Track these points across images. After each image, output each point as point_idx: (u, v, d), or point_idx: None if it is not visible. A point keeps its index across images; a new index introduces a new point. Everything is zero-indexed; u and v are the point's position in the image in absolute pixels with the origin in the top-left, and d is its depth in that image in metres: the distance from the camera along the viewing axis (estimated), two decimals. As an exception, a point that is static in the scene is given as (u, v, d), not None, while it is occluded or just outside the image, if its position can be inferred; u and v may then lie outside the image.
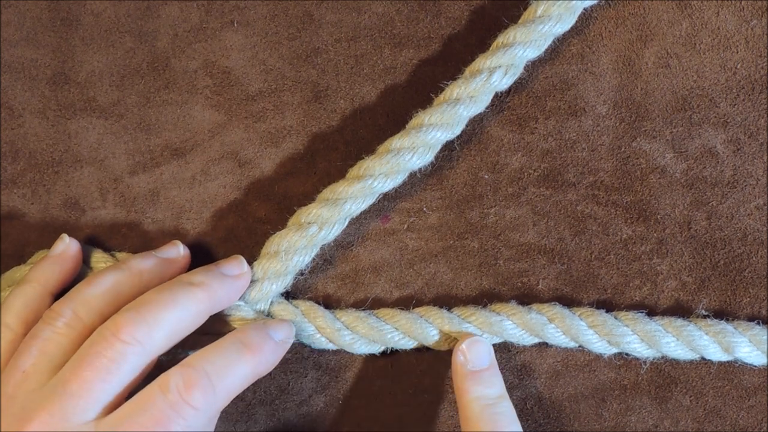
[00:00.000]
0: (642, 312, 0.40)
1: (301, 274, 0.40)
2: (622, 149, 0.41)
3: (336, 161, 0.41)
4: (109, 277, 0.36)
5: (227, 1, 0.42)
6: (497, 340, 0.40)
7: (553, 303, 0.40)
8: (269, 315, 0.39)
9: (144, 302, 0.35)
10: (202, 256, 0.42)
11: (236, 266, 0.38)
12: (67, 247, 0.39)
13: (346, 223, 0.40)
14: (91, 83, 0.42)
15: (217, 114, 0.42)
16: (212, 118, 0.42)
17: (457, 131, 0.39)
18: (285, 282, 0.39)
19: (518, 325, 0.39)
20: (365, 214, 0.41)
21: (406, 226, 0.41)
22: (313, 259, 0.40)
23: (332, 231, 0.39)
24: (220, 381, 0.34)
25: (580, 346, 0.39)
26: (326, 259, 0.41)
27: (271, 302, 0.39)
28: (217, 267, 0.38)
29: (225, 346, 0.35)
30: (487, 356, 0.38)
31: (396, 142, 0.39)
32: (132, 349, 0.33)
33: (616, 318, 0.39)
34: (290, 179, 0.42)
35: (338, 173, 0.40)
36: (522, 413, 0.40)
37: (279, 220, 0.40)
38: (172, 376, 0.33)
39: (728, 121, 0.40)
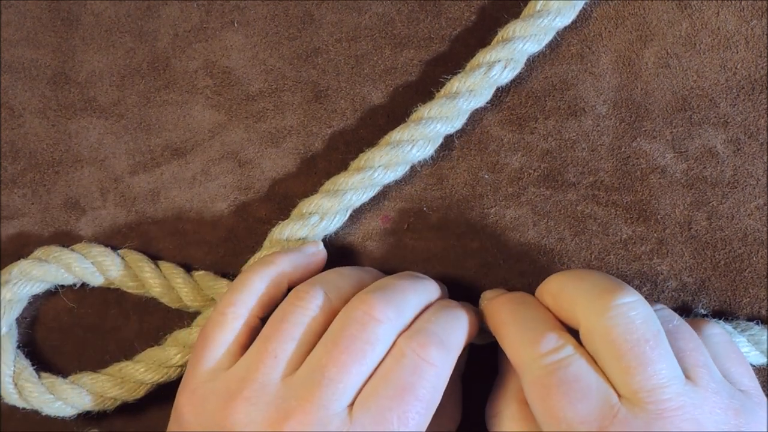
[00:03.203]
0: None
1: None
2: (622, 149, 0.41)
3: (336, 161, 0.41)
4: (349, 269, 0.37)
5: (227, 1, 0.42)
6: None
7: None
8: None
9: (386, 285, 0.35)
10: (202, 256, 0.42)
11: (435, 282, 0.38)
12: (318, 252, 0.39)
13: (348, 214, 0.40)
14: (91, 83, 0.42)
15: (218, 114, 0.42)
16: (212, 118, 0.42)
17: (458, 125, 0.40)
18: None
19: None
20: (366, 214, 0.41)
21: (406, 226, 0.41)
22: (313, 258, 0.40)
23: (333, 221, 0.39)
24: (447, 336, 0.34)
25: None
26: (327, 259, 0.41)
27: None
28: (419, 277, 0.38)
29: (438, 311, 0.35)
30: None
31: (396, 134, 0.39)
32: (384, 328, 0.33)
33: None
34: (290, 179, 0.42)
35: (338, 173, 0.40)
36: (522, 413, 0.40)
37: (279, 220, 0.40)
38: (403, 343, 0.33)
39: (728, 121, 0.40)
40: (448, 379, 0.34)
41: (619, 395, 0.32)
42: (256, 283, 0.36)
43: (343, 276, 0.36)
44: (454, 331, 0.35)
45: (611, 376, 0.32)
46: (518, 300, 0.37)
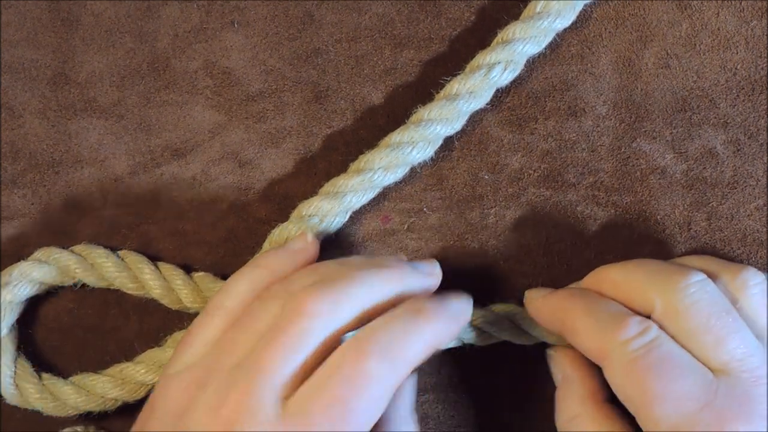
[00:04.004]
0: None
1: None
2: (622, 150, 0.41)
3: (336, 162, 0.41)
4: (322, 266, 0.36)
5: (227, 1, 0.42)
6: (496, 340, 0.40)
7: None
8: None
9: (333, 276, 0.34)
10: (202, 256, 0.42)
11: (429, 265, 0.37)
12: (307, 245, 0.38)
13: (348, 216, 0.40)
14: (91, 83, 0.42)
15: (218, 114, 0.42)
16: (212, 119, 0.42)
17: (458, 126, 0.40)
18: None
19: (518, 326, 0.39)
20: (366, 214, 0.41)
21: (406, 226, 0.41)
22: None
23: (333, 223, 0.39)
24: (397, 349, 0.32)
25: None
26: (327, 259, 0.41)
27: None
28: (408, 262, 0.36)
29: (396, 315, 0.33)
30: None
31: (396, 136, 0.39)
32: (316, 322, 0.32)
33: None
34: (290, 180, 0.42)
35: (338, 174, 0.40)
36: (523, 412, 0.40)
37: (279, 221, 0.40)
38: (343, 349, 0.32)
39: (728, 121, 0.40)
40: (392, 393, 0.32)
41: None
42: (242, 286, 0.35)
43: (308, 275, 0.35)
44: (408, 344, 0.32)
45: (697, 351, 0.33)
46: (583, 292, 0.37)
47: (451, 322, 0.34)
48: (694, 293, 0.33)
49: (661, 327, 0.34)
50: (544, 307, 0.37)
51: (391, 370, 0.32)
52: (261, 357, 0.32)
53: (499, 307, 0.40)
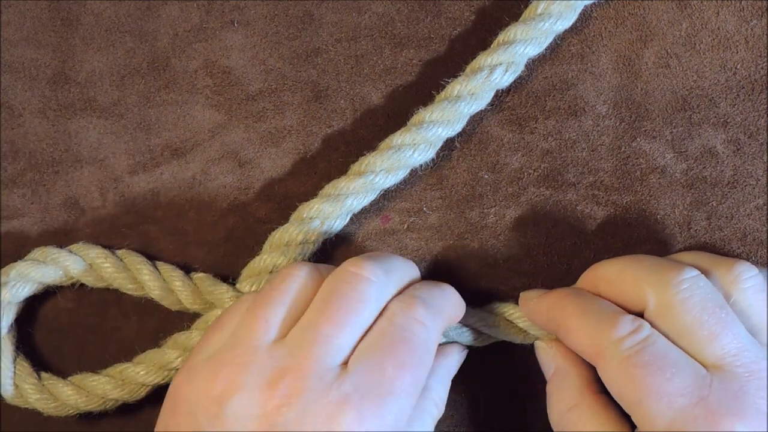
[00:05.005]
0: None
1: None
2: (622, 149, 0.41)
3: (336, 161, 0.41)
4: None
5: (227, 1, 0.42)
6: (495, 340, 0.40)
7: None
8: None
9: (373, 253, 0.37)
10: (202, 256, 0.42)
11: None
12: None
13: (348, 218, 0.40)
14: (91, 83, 0.42)
15: (217, 114, 0.42)
16: (212, 118, 0.42)
17: (458, 128, 0.40)
18: None
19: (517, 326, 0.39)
20: (366, 214, 0.41)
21: (406, 226, 0.41)
22: (314, 256, 0.40)
23: (334, 226, 0.39)
24: (435, 303, 0.35)
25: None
26: (327, 259, 0.41)
27: None
28: None
29: (424, 283, 0.36)
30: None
31: (397, 138, 0.39)
32: (374, 287, 0.34)
33: None
34: (290, 179, 0.42)
35: (338, 173, 0.40)
36: (523, 412, 0.40)
37: (279, 220, 0.40)
38: (394, 305, 0.34)
39: (728, 121, 0.40)
40: (437, 344, 0.35)
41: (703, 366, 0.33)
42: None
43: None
44: (442, 300, 0.36)
45: (691, 347, 0.33)
46: (576, 292, 0.37)
47: (458, 298, 0.37)
48: (686, 289, 0.33)
49: (654, 323, 0.34)
50: (538, 308, 0.37)
51: (435, 317, 0.34)
52: (321, 324, 0.32)
53: (497, 307, 0.40)
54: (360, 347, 0.33)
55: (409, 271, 0.37)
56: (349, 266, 0.34)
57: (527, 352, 0.40)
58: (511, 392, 0.41)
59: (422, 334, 0.33)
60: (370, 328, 0.34)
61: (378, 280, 0.34)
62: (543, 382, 0.40)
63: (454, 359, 0.38)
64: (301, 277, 0.34)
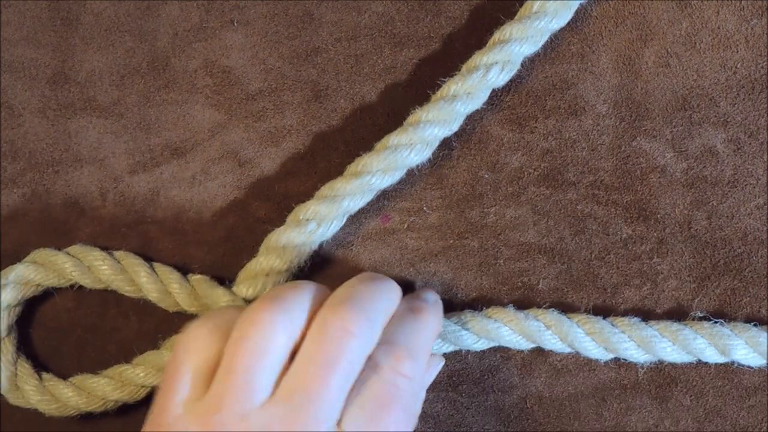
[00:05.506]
0: (641, 313, 0.40)
1: (301, 271, 0.40)
2: (622, 148, 0.41)
3: (336, 161, 0.41)
4: (299, 283, 0.35)
5: (227, 0, 0.42)
6: (494, 344, 0.40)
7: (551, 309, 0.40)
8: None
9: (355, 294, 0.34)
10: (202, 255, 0.42)
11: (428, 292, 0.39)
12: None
13: (345, 219, 0.40)
14: (91, 83, 0.42)
15: (217, 113, 0.42)
16: (212, 118, 0.42)
17: (455, 128, 0.39)
18: (283, 280, 0.39)
19: (515, 332, 0.39)
20: (365, 214, 0.41)
21: (406, 225, 0.41)
22: (313, 257, 0.40)
23: (331, 228, 0.39)
24: (417, 347, 0.35)
25: (576, 352, 0.39)
26: (326, 258, 0.41)
27: None
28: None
29: (401, 316, 0.36)
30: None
31: (393, 138, 0.39)
32: (359, 342, 0.33)
33: (612, 324, 0.39)
34: (290, 179, 0.42)
35: (338, 173, 0.40)
36: (522, 412, 0.40)
37: (279, 220, 0.40)
38: (381, 359, 0.33)
39: (728, 120, 0.40)
40: (423, 389, 0.36)
41: None
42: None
43: (299, 289, 0.34)
44: (421, 340, 0.36)
45: None
46: None
47: (436, 309, 0.38)
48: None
49: None
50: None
51: (419, 366, 0.35)
52: (310, 386, 0.31)
53: (495, 313, 0.39)
54: (352, 408, 0.32)
55: (391, 301, 0.36)
56: (335, 319, 0.32)
57: (524, 356, 0.40)
58: (511, 392, 0.41)
59: (409, 387, 0.34)
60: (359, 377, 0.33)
61: (363, 335, 0.33)
62: (543, 381, 0.40)
63: (431, 374, 0.39)
64: (278, 333, 0.32)
